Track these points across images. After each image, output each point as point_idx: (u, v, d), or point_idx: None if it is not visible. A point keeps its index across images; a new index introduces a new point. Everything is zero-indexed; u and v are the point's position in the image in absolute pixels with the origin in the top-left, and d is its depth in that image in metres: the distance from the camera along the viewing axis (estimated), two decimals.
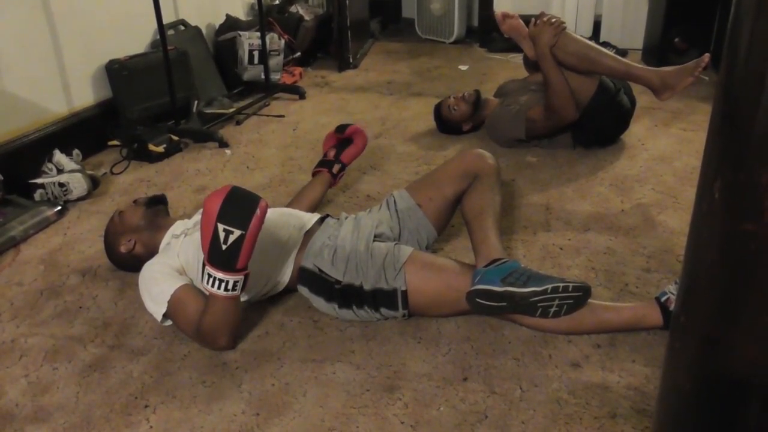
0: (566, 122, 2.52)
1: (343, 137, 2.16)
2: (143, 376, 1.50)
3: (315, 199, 2.05)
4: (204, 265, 1.44)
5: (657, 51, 3.65)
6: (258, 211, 1.41)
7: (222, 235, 1.39)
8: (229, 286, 1.44)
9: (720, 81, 0.73)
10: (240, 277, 1.45)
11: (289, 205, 1.97)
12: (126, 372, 1.52)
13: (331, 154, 2.14)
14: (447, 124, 2.89)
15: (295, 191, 2.36)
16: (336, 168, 2.11)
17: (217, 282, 1.43)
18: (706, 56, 2.29)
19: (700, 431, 0.82)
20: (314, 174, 2.13)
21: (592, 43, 2.51)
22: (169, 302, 1.55)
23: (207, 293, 1.48)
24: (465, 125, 2.85)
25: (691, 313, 0.80)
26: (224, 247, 1.40)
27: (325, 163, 2.13)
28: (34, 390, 1.47)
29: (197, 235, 1.56)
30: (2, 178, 2.15)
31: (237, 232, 1.39)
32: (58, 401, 1.44)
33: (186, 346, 1.59)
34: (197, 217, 1.76)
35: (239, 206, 1.41)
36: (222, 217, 1.39)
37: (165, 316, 1.59)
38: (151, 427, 1.36)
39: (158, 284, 1.59)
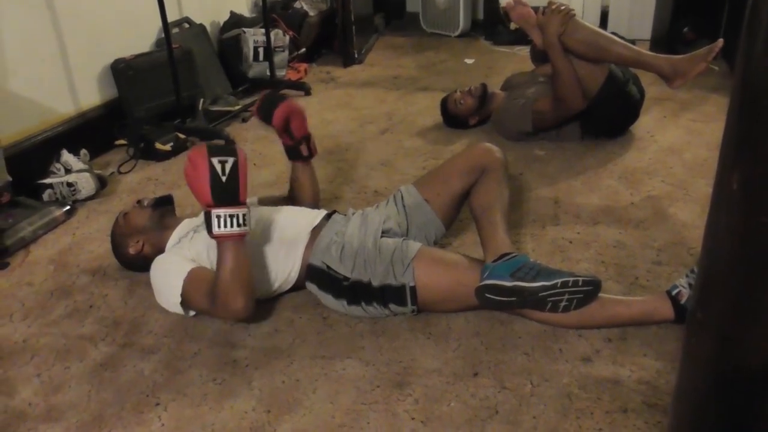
0: (573, 112, 2.51)
1: (277, 124, 1.84)
2: (154, 375, 1.50)
3: (309, 186, 1.98)
4: (209, 215, 1.44)
5: (665, 41, 3.62)
6: (239, 148, 1.48)
7: (218, 167, 1.42)
8: (241, 220, 1.45)
9: (737, 70, 0.71)
10: (246, 210, 1.46)
11: (289, 199, 1.98)
12: (137, 370, 1.52)
13: (286, 139, 1.90)
14: (453, 119, 2.88)
15: None
16: (303, 150, 1.91)
17: (227, 219, 1.43)
18: (720, 42, 2.26)
19: (717, 427, 0.81)
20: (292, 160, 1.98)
21: (601, 31, 2.49)
22: (184, 281, 1.56)
23: (216, 245, 1.48)
24: (472, 119, 2.85)
25: (707, 308, 0.79)
26: (224, 178, 1.42)
27: (290, 152, 1.93)
28: (46, 389, 1.48)
29: (205, 232, 1.57)
30: (11, 179, 2.16)
31: (230, 159, 1.44)
32: (70, 400, 1.44)
33: (196, 344, 1.59)
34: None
35: (221, 146, 1.48)
36: (212, 153, 1.43)
37: (182, 300, 1.58)
38: (162, 424, 1.36)
39: (173, 270, 1.60)
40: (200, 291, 1.54)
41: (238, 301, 1.48)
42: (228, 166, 1.43)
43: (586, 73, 2.46)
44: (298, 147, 1.90)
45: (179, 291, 1.57)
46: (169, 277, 1.61)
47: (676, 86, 2.38)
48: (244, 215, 1.46)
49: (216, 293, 1.49)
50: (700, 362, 0.81)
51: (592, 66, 2.46)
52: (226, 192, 1.44)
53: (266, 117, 1.82)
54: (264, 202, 1.94)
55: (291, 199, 1.99)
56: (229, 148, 1.47)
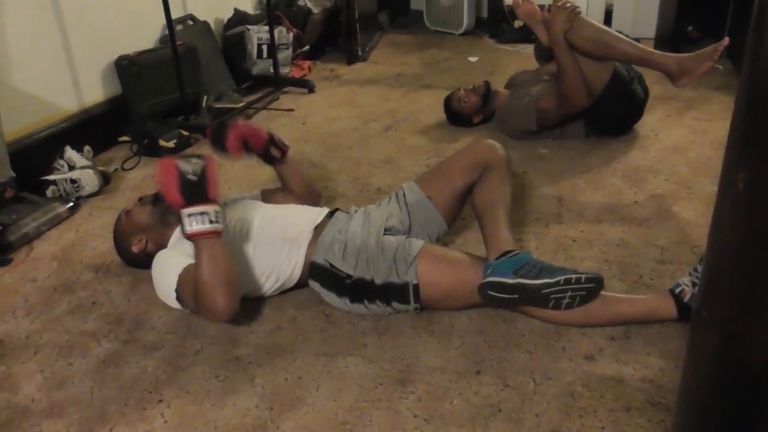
0: (578, 110, 2.50)
1: (234, 152, 1.79)
2: (157, 371, 1.51)
3: (299, 182, 1.93)
4: (180, 216, 1.46)
5: (670, 40, 3.61)
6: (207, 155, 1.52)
7: (187, 168, 1.46)
8: (213, 217, 1.46)
9: (744, 70, 0.71)
10: (218, 208, 1.47)
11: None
12: (140, 367, 1.52)
13: (258, 154, 1.86)
14: (457, 117, 2.88)
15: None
16: (274, 152, 1.86)
17: (198, 217, 1.45)
18: (725, 40, 2.25)
19: (722, 426, 0.81)
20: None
21: (607, 28, 2.48)
22: (179, 276, 1.56)
23: (191, 244, 1.49)
24: (475, 117, 2.84)
25: (713, 306, 0.78)
26: (194, 178, 1.45)
27: (264, 159, 1.88)
28: (49, 385, 1.48)
29: None
30: (14, 175, 2.16)
31: (199, 161, 1.48)
32: (73, 396, 1.45)
33: (199, 341, 1.60)
34: None
35: (190, 154, 1.52)
36: (181, 158, 1.48)
37: (176, 295, 1.58)
38: (165, 421, 1.37)
39: (170, 265, 1.61)
40: (189, 288, 1.54)
41: (218, 300, 1.46)
42: (197, 168, 1.47)
43: (591, 70, 2.45)
44: (268, 153, 1.86)
45: (174, 287, 1.57)
46: (166, 273, 1.61)
47: (682, 85, 2.38)
48: (216, 212, 1.47)
49: (198, 291, 1.49)
50: (705, 360, 0.81)
51: (597, 64, 2.46)
52: (195, 190, 1.46)
53: (221, 149, 1.77)
54: (267, 194, 1.93)
55: (289, 192, 1.95)
56: (197, 154, 1.51)
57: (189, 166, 1.46)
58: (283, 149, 1.87)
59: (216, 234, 1.48)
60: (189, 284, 1.53)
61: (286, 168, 1.91)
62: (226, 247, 1.52)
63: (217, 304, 1.46)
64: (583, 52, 2.42)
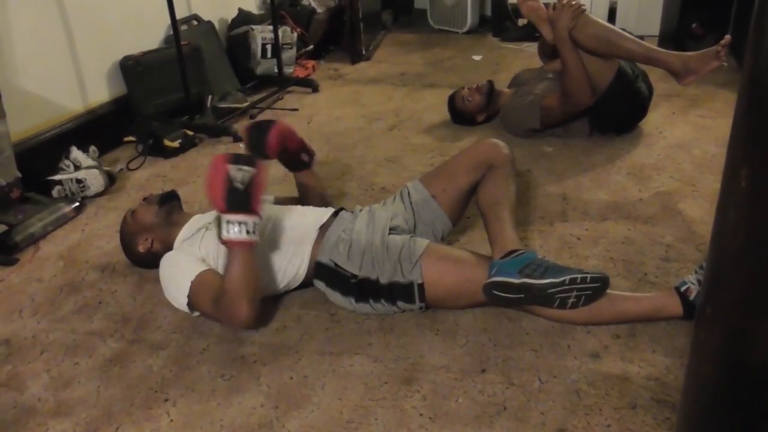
0: (581, 107, 2.50)
1: (273, 154, 1.80)
2: (163, 370, 1.51)
3: (317, 188, 1.98)
4: (219, 219, 1.47)
5: (674, 37, 3.60)
6: (261, 160, 1.50)
7: (237, 174, 1.45)
8: (251, 228, 1.46)
9: (746, 66, 0.71)
10: (258, 219, 1.47)
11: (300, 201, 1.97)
12: (146, 366, 1.53)
13: (292, 157, 1.90)
14: (461, 115, 2.88)
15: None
16: (304, 158, 1.91)
17: (237, 226, 1.45)
18: (727, 38, 2.25)
19: (726, 422, 0.81)
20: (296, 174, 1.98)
21: (611, 26, 2.48)
22: (192, 283, 1.56)
23: (226, 250, 1.49)
24: (479, 116, 2.84)
25: (716, 303, 0.78)
26: (240, 186, 1.44)
27: (291, 165, 1.94)
28: (55, 384, 1.49)
29: (213, 231, 1.58)
30: (20, 175, 2.17)
31: (249, 170, 1.46)
32: (79, 395, 1.45)
33: (204, 340, 1.60)
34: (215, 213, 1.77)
35: (245, 156, 1.51)
36: (233, 160, 1.46)
37: (188, 301, 1.58)
38: (171, 420, 1.37)
39: (181, 270, 1.60)
40: (206, 295, 1.55)
41: (242, 309, 1.48)
42: (246, 176, 1.45)
43: (596, 68, 2.45)
44: (299, 158, 1.90)
45: (186, 292, 1.57)
46: (177, 276, 1.61)
47: (686, 83, 2.37)
48: (254, 224, 1.47)
49: (221, 299, 1.50)
50: (709, 357, 0.81)
51: (601, 62, 2.46)
52: (240, 200, 1.45)
53: (259, 149, 1.74)
54: (278, 202, 1.94)
55: (301, 201, 1.98)
56: (251, 160, 1.49)
57: (239, 173, 1.45)
58: (311, 153, 1.92)
59: (251, 245, 1.49)
60: (206, 291, 1.55)
61: (308, 173, 1.95)
62: (256, 259, 1.53)
63: (241, 312, 1.49)
64: (588, 50, 2.42)
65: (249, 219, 1.46)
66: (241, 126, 2.97)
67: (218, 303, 1.51)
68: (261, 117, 3.14)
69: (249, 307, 1.49)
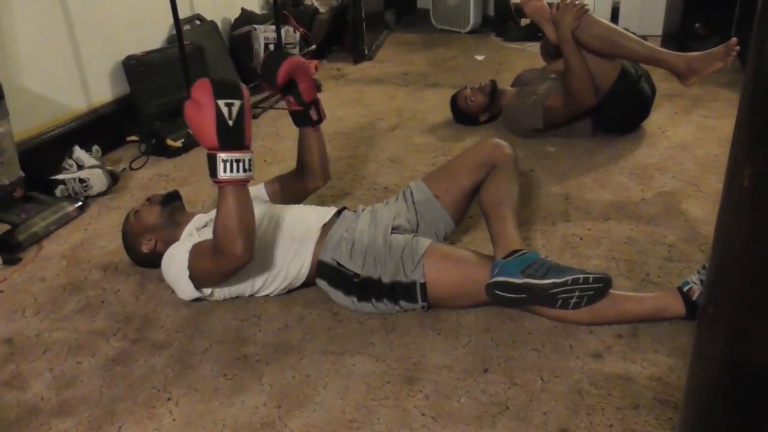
0: (584, 108, 2.50)
1: (281, 81, 1.70)
2: (165, 370, 1.51)
3: (318, 152, 1.91)
4: (213, 158, 1.40)
5: (677, 37, 3.60)
6: (242, 85, 1.43)
7: (225, 110, 1.37)
8: (247, 165, 1.41)
9: (749, 66, 0.71)
10: (251, 155, 1.43)
11: (297, 172, 1.94)
12: (148, 365, 1.53)
13: (293, 104, 1.81)
14: (463, 115, 2.88)
15: None
16: (312, 114, 1.82)
17: (234, 164, 1.39)
18: (733, 40, 2.24)
19: (729, 422, 0.81)
20: (298, 125, 1.88)
21: (615, 26, 2.48)
22: (189, 252, 1.57)
23: (219, 190, 1.45)
24: (481, 116, 2.84)
25: (719, 303, 0.78)
26: (231, 122, 1.38)
27: (299, 118, 1.85)
28: (58, 384, 1.49)
29: None
30: (23, 174, 2.17)
31: (237, 103, 1.39)
32: (82, 395, 1.46)
33: (207, 339, 1.60)
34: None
35: (227, 86, 1.41)
36: (218, 94, 1.38)
37: (190, 274, 1.58)
38: (174, 419, 1.37)
39: (179, 252, 1.62)
40: (204, 253, 1.54)
41: (238, 244, 1.44)
42: (235, 110, 1.38)
43: (599, 69, 2.45)
44: (308, 112, 1.81)
45: (186, 264, 1.58)
46: (175, 254, 1.62)
47: (690, 84, 2.37)
48: (249, 160, 1.43)
49: (217, 240, 1.46)
50: (711, 357, 0.81)
51: (604, 62, 2.45)
52: (234, 136, 1.39)
53: (270, 77, 1.68)
54: (271, 187, 1.94)
55: (299, 170, 1.94)
56: (235, 90, 1.41)
57: (226, 107, 1.37)
58: (321, 115, 1.84)
59: (246, 182, 1.45)
60: (202, 249, 1.55)
61: (312, 134, 1.87)
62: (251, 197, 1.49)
63: (237, 248, 1.45)
64: (591, 50, 2.42)
65: (244, 155, 1.41)
66: None
67: (215, 250, 1.49)
68: (263, 117, 3.15)
69: (246, 242, 1.45)
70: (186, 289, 1.63)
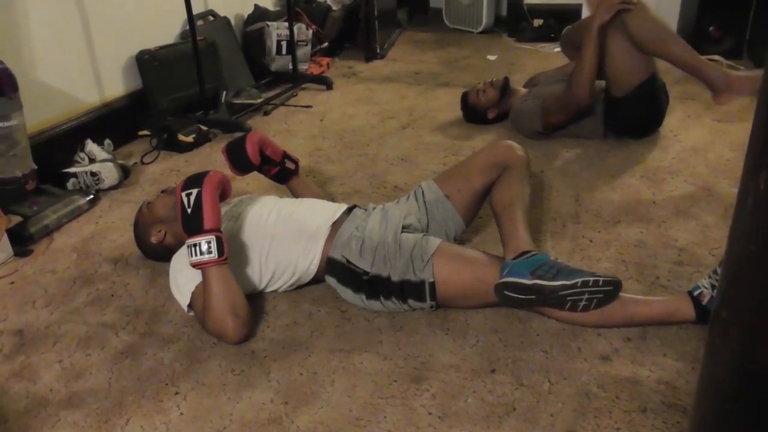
0: (576, 104, 2.46)
1: (256, 160, 1.85)
2: (174, 364, 1.52)
3: (315, 192, 2.03)
4: (187, 246, 1.52)
5: (691, 39, 3.54)
6: (210, 173, 1.56)
7: (185, 200, 1.52)
8: (204, 248, 1.48)
9: (766, 68, 0.70)
10: (211, 237, 1.49)
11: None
12: (157, 359, 1.54)
13: (270, 169, 1.94)
14: (473, 111, 2.87)
15: (323, 181, 2.38)
16: (289, 165, 1.95)
17: (195, 249, 1.49)
18: None
19: (740, 427, 0.80)
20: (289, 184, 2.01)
21: (669, 27, 2.41)
22: (192, 294, 1.57)
23: (197, 272, 1.53)
24: (491, 112, 2.82)
25: (733, 307, 0.78)
26: (189, 210, 1.51)
27: (280, 176, 1.97)
28: (67, 375, 1.50)
29: (224, 225, 1.59)
30: (36, 167, 2.19)
31: (194, 191, 1.52)
32: (91, 387, 1.46)
33: None
34: (225, 207, 1.78)
35: (193, 177, 1.57)
36: (183, 187, 1.54)
37: (188, 310, 1.61)
38: (181, 413, 1.38)
39: (184, 276, 1.60)
40: (200, 309, 1.56)
41: (226, 327, 1.51)
42: (192, 198, 1.51)
43: (631, 64, 2.40)
44: (285, 167, 1.94)
45: (187, 301, 1.59)
46: (181, 284, 1.61)
47: (722, 102, 2.31)
48: (208, 242, 1.49)
49: (207, 315, 1.52)
50: (724, 361, 0.80)
51: (639, 59, 2.39)
52: (191, 223, 1.51)
53: (243, 165, 1.85)
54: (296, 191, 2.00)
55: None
56: (197, 179, 1.54)
57: (186, 197, 1.52)
58: (295, 160, 1.97)
59: (218, 263, 1.50)
60: (200, 305, 1.56)
61: (299, 182, 1.99)
62: (231, 274, 1.54)
63: (226, 330, 1.52)
64: (636, 40, 2.34)
65: (203, 239, 1.49)
66: (254, 122, 2.98)
67: (206, 320, 1.53)
68: (275, 114, 3.15)
69: (234, 323, 1.51)
70: (184, 308, 1.64)
